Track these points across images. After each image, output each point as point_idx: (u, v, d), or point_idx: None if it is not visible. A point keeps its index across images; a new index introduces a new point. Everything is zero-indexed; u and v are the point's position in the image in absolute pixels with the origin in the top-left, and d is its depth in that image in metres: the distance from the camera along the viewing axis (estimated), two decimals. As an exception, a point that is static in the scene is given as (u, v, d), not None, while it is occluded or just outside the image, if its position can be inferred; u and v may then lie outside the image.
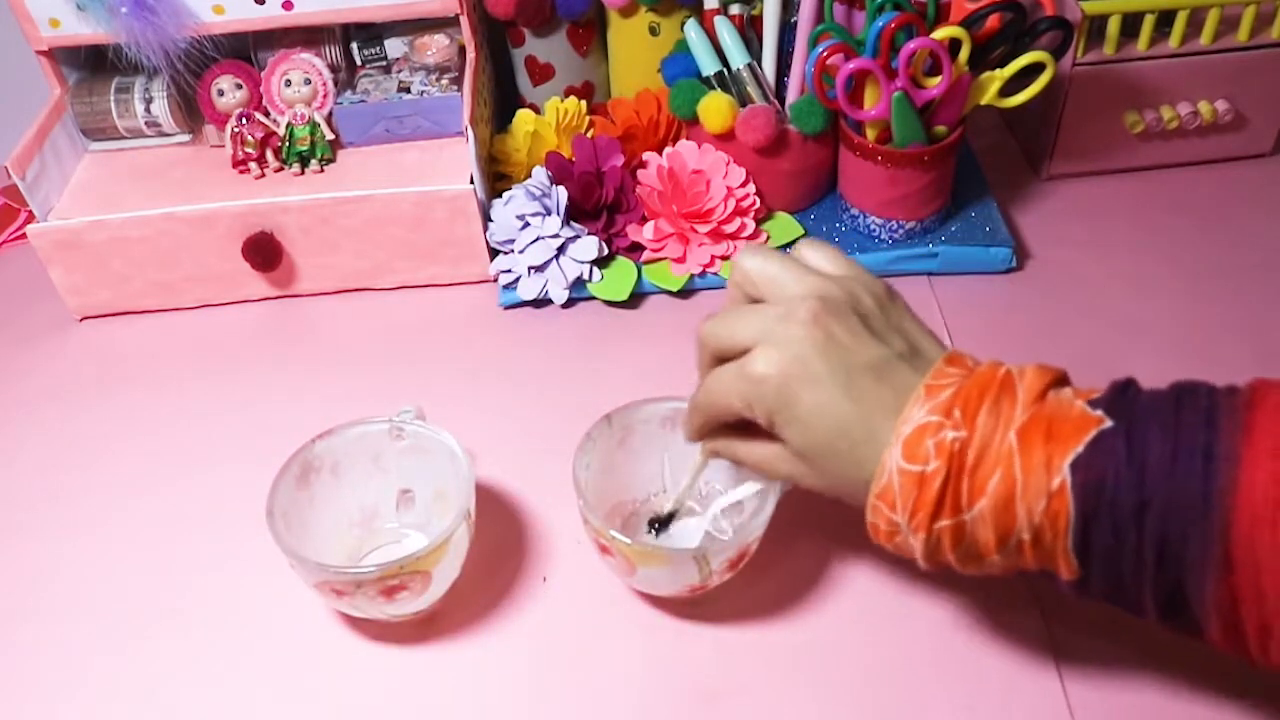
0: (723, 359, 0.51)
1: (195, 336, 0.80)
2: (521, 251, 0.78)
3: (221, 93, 0.81)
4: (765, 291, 0.51)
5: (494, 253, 0.80)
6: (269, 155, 0.81)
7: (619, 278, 0.79)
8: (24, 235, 0.85)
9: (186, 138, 0.85)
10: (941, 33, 0.70)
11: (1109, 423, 0.44)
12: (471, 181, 0.77)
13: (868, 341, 0.49)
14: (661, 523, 0.61)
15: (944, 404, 0.46)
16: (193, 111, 0.84)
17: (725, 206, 0.78)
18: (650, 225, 0.80)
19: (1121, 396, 0.46)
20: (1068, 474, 0.44)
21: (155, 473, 0.70)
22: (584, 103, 0.85)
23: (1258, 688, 0.53)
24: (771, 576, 0.60)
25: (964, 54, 0.71)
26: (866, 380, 0.48)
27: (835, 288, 0.50)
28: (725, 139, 0.79)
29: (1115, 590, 0.46)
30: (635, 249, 0.80)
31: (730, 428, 0.53)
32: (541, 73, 0.87)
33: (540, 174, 0.80)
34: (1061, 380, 0.48)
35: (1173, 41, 0.81)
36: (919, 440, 0.46)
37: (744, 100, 0.80)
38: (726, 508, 0.59)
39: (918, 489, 0.46)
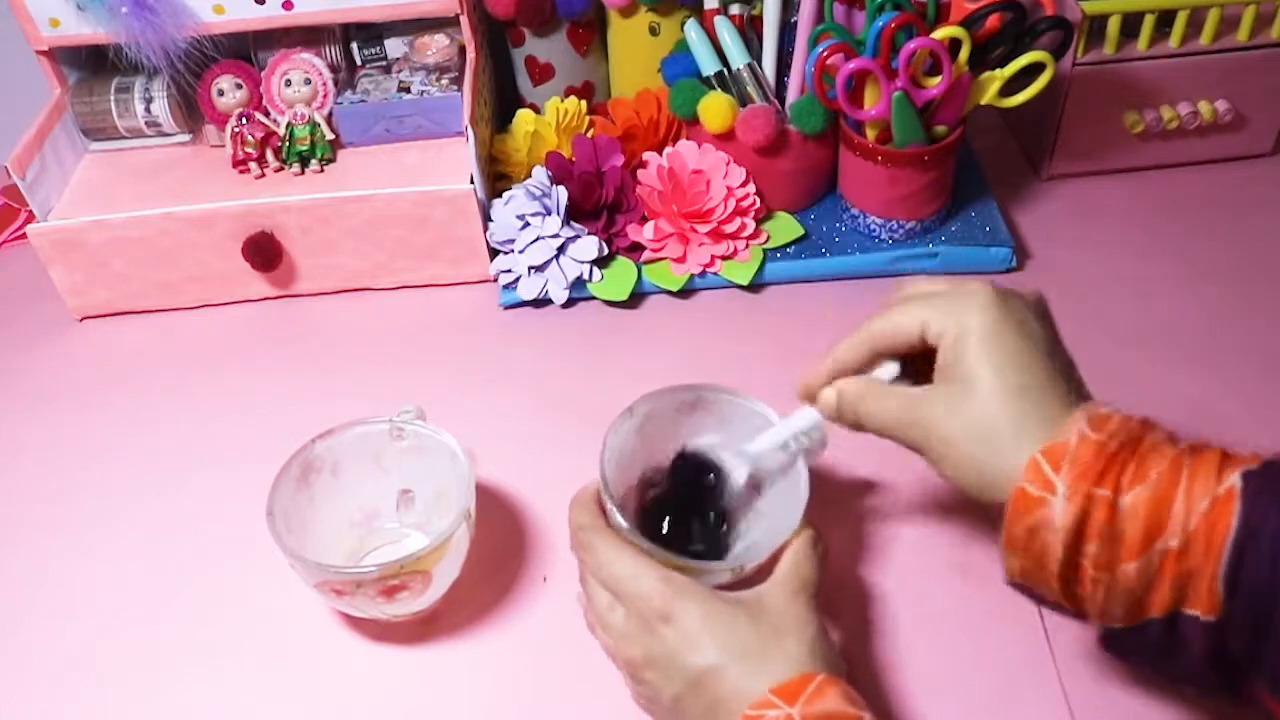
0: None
1: (195, 336, 0.80)
2: (521, 251, 0.78)
3: (221, 93, 0.81)
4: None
5: (494, 253, 0.80)
6: (269, 155, 0.81)
7: (619, 278, 0.79)
8: (24, 235, 0.85)
9: (186, 138, 0.85)
10: (941, 33, 0.70)
11: None
12: (471, 181, 0.77)
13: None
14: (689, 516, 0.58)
15: (1123, 412, 0.45)
16: (193, 111, 0.84)
17: (725, 206, 0.78)
18: (650, 225, 0.80)
19: None
20: (1238, 481, 0.41)
21: (155, 472, 0.70)
22: (584, 103, 0.85)
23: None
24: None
25: (964, 54, 0.71)
26: (1058, 345, 0.49)
27: None
28: (725, 139, 0.79)
29: (1255, 640, 0.41)
30: (635, 249, 0.80)
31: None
32: (541, 73, 0.87)
33: (540, 174, 0.80)
34: None
35: (1173, 41, 0.81)
36: (1106, 419, 0.44)
37: (744, 100, 0.80)
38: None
39: (1092, 454, 0.43)
